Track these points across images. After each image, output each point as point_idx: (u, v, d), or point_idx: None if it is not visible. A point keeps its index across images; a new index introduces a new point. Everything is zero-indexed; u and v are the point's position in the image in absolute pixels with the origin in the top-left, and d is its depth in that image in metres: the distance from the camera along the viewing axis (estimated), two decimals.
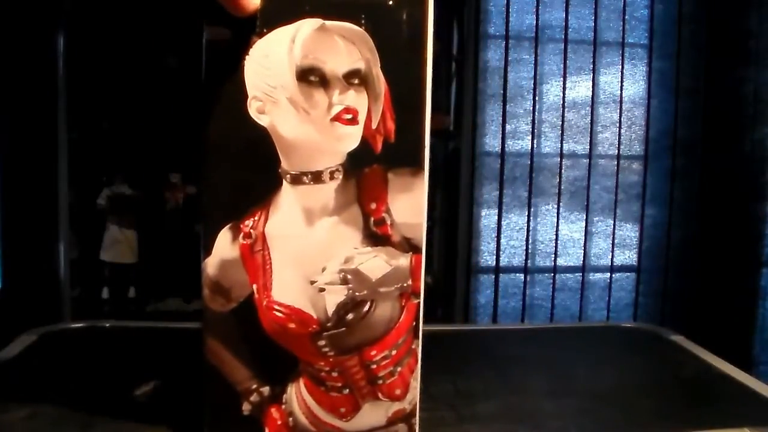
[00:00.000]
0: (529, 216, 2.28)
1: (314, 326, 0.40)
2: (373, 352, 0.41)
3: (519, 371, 0.59)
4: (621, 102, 2.29)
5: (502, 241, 2.28)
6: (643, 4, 2.29)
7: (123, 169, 2.20)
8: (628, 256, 2.37)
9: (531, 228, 2.29)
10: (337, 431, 0.42)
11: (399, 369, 0.42)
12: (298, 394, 0.42)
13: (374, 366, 0.41)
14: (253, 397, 0.42)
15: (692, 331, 0.72)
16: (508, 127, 2.24)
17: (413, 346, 0.42)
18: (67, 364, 0.60)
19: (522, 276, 2.31)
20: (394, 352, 0.41)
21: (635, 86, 2.32)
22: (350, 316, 0.40)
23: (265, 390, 0.42)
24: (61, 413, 0.47)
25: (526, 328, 1.04)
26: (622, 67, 2.28)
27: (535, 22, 2.23)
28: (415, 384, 0.42)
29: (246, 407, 0.42)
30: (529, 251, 2.30)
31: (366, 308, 0.40)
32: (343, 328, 0.41)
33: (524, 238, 2.29)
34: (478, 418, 0.48)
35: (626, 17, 2.27)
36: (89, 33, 2.06)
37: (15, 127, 1.93)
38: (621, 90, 2.28)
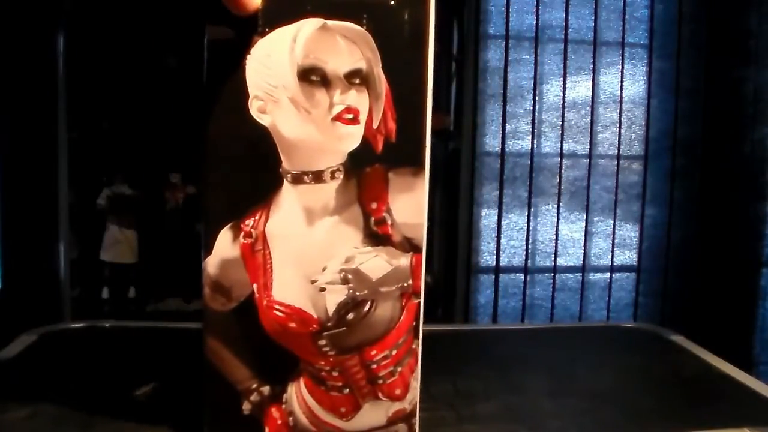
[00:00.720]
0: (529, 216, 2.28)
1: (314, 326, 0.40)
2: (374, 352, 0.41)
3: (519, 371, 0.59)
4: (621, 102, 2.29)
5: (502, 241, 2.28)
6: (643, 4, 2.29)
7: (123, 169, 2.21)
8: (628, 256, 2.37)
9: (531, 228, 2.29)
10: (337, 431, 0.42)
11: (399, 369, 0.42)
12: (298, 394, 0.42)
13: (374, 366, 0.41)
14: (254, 397, 0.42)
15: (692, 331, 0.72)
16: (508, 127, 2.24)
17: (413, 346, 0.42)
18: (67, 364, 0.60)
19: (522, 276, 2.31)
20: (394, 352, 0.41)
21: (635, 86, 2.32)
22: (351, 315, 0.40)
23: (266, 389, 0.42)
24: (61, 413, 0.47)
25: (526, 328, 1.04)
26: (622, 67, 2.28)
27: (535, 22, 2.23)
28: (415, 384, 0.42)
29: (246, 407, 0.42)
30: (529, 251, 2.30)
31: (366, 308, 0.40)
32: (344, 328, 0.41)
33: (524, 238, 2.29)
34: (478, 418, 0.48)
35: (626, 17, 2.27)
36: (89, 33, 2.06)
37: (15, 127, 1.93)
38: (621, 90, 2.28)
